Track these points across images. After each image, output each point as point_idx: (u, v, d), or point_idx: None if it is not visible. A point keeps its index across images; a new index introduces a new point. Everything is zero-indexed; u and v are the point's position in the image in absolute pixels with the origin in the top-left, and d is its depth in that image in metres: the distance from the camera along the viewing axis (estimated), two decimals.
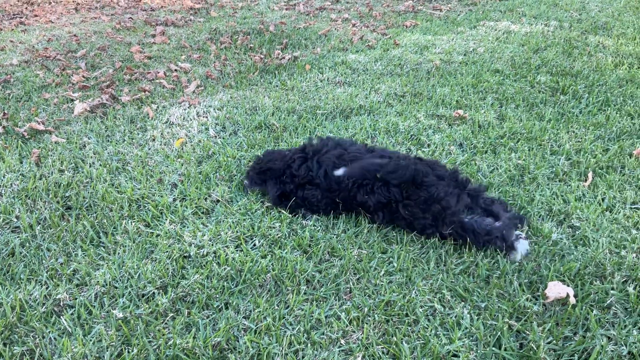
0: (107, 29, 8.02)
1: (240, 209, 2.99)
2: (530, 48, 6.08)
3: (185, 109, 4.56)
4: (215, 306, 2.29)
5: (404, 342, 2.06)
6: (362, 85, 5.11)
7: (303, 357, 2.03)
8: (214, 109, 4.55)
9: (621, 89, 4.67)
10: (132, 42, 7.11)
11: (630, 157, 3.46)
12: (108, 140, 3.99)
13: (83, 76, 5.53)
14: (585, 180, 3.20)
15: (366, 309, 2.23)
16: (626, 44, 6.14)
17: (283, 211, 2.94)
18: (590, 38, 6.48)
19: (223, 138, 3.98)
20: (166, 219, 2.92)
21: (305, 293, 2.37)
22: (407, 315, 2.22)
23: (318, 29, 7.57)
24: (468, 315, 2.18)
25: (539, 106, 4.41)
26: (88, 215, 2.99)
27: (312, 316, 2.22)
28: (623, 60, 5.51)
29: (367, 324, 2.17)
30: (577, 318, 2.16)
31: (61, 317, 2.24)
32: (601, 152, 3.55)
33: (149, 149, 3.81)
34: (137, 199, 3.14)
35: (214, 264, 2.51)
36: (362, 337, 2.10)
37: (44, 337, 2.14)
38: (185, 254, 2.62)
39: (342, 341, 2.10)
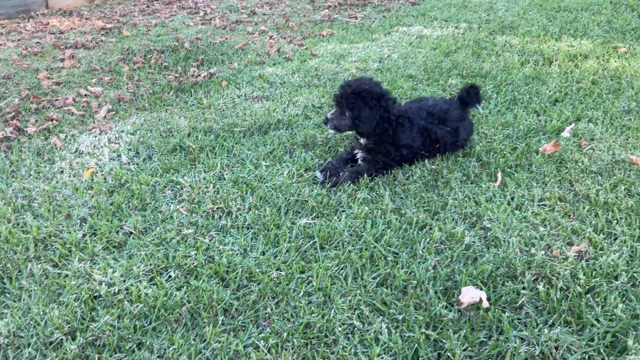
0: (13, 55, 7.61)
1: (154, 239, 2.88)
2: (441, 51, 6.25)
3: (95, 136, 4.37)
4: (127, 348, 2.18)
5: None
6: (279, 99, 5.08)
7: None
8: (127, 134, 4.38)
9: (527, 87, 4.87)
10: (39, 67, 6.78)
11: (537, 154, 3.59)
12: (13, 176, 3.76)
13: None
14: (496, 181, 3.30)
15: (285, 334, 2.19)
16: (531, 42, 6.43)
17: (200, 238, 2.86)
18: (498, 38, 6.75)
19: (137, 164, 3.84)
20: (75, 257, 2.77)
21: (223, 323, 2.30)
22: (326, 336, 2.19)
23: (235, 42, 7.50)
24: (386, 330, 2.18)
25: None
26: None
27: (230, 348, 2.16)
28: (529, 58, 5.76)
29: (286, 350, 2.13)
30: (491, 321, 2.20)
31: None
32: (510, 151, 3.67)
33: (57, 182, 3.62)
34: (44, 237, 2.97)
35: (126, 302, 2.40)
36: None
37: None
38: (95, 294, 2.49)
39: None
